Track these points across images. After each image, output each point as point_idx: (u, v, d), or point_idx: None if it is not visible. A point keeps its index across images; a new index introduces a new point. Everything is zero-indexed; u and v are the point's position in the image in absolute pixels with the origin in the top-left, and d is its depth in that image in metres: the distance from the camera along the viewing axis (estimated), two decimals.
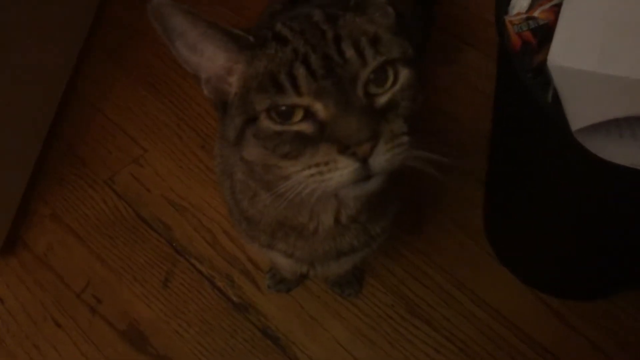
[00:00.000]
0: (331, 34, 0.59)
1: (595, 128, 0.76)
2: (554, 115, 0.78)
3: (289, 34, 0.60)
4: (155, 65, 1.62)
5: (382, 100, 0.60)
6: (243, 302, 1.28)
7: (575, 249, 1.10)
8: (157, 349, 1.23)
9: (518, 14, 0.88)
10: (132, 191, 1.43)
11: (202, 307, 1.28)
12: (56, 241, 1.37)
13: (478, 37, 1.62)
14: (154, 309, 1.28)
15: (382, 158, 0.57)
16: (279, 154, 0.60)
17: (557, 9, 0.83)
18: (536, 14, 0.87)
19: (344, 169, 0.57)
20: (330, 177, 0.58)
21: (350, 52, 0.58)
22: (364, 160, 0.57)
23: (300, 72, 0.57)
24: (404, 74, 0.61)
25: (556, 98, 0.80)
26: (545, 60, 0.78)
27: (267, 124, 0.59)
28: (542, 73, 0.83)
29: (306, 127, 0.59)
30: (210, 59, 0.63)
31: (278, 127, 0.59)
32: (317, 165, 0.58)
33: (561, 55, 0.77)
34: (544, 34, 0.84)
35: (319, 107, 0.58)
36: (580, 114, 0.76)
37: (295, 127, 0.59)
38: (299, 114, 0.59)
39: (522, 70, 0.84)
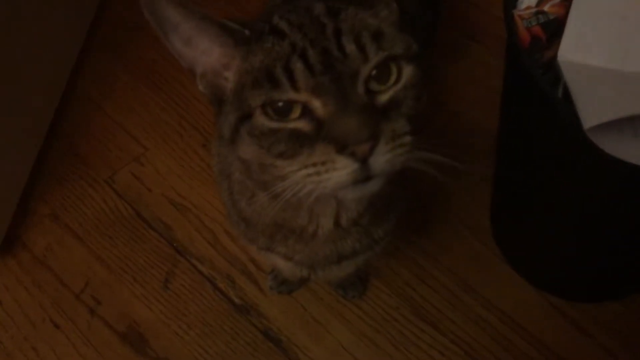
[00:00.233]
0: (331, 28, 0.56)
1: (608, 126, 0.73)
2: (566, 113, 0.76)
3: (286, 28, 0.58)
4: (156, 62, 1.60)
5: (384, 98, 0.57)
6: (245, 304, 1.26)
7: (585, 250, 1.09)
8: (157, 351, 1.22)
9: (527, 8, 0.85)
10: (132, 190, 1.42)
11: (203, 308, 1.26)
12: (55, 241, 1.35)
13: (485, 34, 1.60)
14: (154, 310, 1.26)
15: (382, 159, 0.55)
16: (275, 153, 0.57)
17: (567, 3, 0.81)
18: (546, 8, 0.84)
19: (342, 170, 0.55)
20: (328, 178, 0.55)
21: (350, 47, 0.55)
22: (363, 161, 0.54)
23: (298, 66, 0.55)
24: (408, 71, 0.59)
25: (566, 95, 0.77)
26: (555, 56, 0.76)
27: (261, 121, 0.57)
28: (552, 69, 0.81)
29: (303, 125, 0.56)
30: (205, 52, 0.61)
31: (274, 124, 0.57)
32: (314, 165, 0.56)
33: (572, 50, 0.75)
34: (554, 28, 0.82)
35: (316, 104, 0.55)
36: (592, 111, 0.73)
37: (292, 125, 0.56)
38: (297, 111, 0.56)
39: (532, 66, 0.81)
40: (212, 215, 1.37)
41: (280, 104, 0.56)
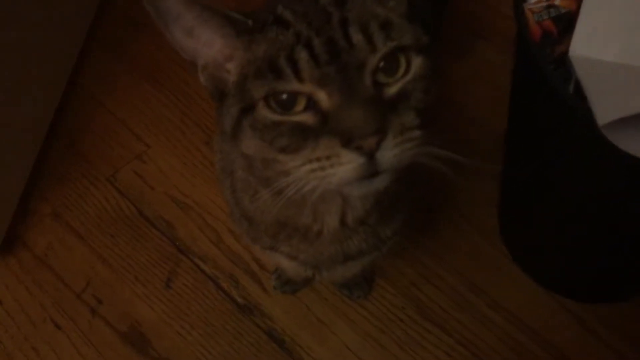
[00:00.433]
0: (337, 17, 0.54)
1: (622, 123, 0.71)
2: (579, 109, 0.74)
3: (291, 17, 0.56)
4: (158, 59, 1.58)
5: (392, 90, 0.55)
6: (248, 304, 1.24)
7: (595, 250, 1.07)
8: (159, 351, 1.20)
9: (538, 1, 0.83)
10: (134, 188, 1.40)
11: (206, 308, 1.24)
12: (56, 240, 1.34)
13: (493, 31, 1.58)
14: (156, 310, 1.25)
15: (390, 153, 0.53)
16: (277, 146, 0.56)
17: None
18: (557, 1, 0.82)
19: (347, 164, 0.53)
20: (332, 173, 0.53)
21: (357, 37, 0.53)
22: (370, 156, 0.52)
23: (302, 56, 0.53)
24: (418, 62, 0.56)
25: (578, 92, 0.75)
26: (567, 51, 0.73)
27: (264, 113, 0.55)
28: (563, 65, 0.79)
29: (307, 118, 0.55)
30: (207, 44, 0.59)
31: (277, 117, 0.55)
32: (318, 159, 0.54)
33: (584, 45, 0.72)
34: (566, 23, 0.80)
35: (321, 96, 0.54)
36: (606, 107, 0.71)
37: (296, 118, 0.55)
38: (301, 103, 0.55)
39: (543, 61, 0.79)
40: (215, 213, 1.35)
41: (284, 96, 0.54)
